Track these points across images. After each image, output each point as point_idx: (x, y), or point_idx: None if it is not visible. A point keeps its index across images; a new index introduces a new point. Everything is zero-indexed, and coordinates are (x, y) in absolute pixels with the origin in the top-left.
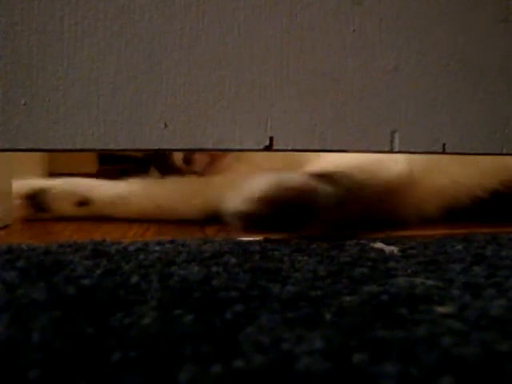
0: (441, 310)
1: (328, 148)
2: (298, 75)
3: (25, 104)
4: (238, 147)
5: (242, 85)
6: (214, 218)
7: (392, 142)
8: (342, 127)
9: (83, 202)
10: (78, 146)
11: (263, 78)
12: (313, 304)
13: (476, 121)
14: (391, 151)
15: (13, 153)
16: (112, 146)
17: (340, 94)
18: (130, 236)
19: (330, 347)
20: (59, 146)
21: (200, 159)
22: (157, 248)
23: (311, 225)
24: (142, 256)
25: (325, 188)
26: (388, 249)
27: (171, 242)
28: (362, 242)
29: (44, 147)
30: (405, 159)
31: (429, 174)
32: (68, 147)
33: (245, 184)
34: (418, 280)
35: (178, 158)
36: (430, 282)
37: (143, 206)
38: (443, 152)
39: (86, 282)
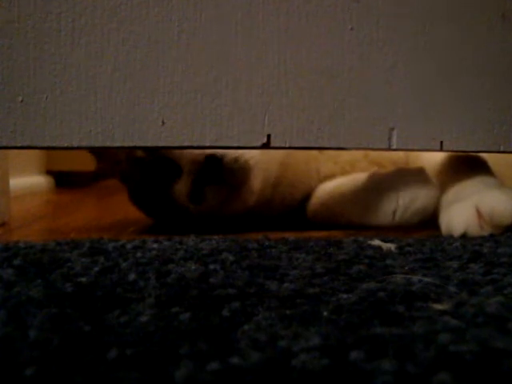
0: (437, 307)
1: (325, 145)
2: (296, 73)
3: (22, 101)
4: (236, 145)
5: (240, 82)
6: None
7: (390, 139)
8: (339, 125)
9: None
10: (76, 144)
11: (261, 75)
12: (310, 301)
13: (473, 118)
14: (389, 149)
15: (10, 150)
16: (109, 144)
17: (337, 92)
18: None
19: (327, 344)
20: (56, 144)
21: (214, 192)
22: (154, 246)
23: None
24: (139, 254)
25: None
26: (385, 246)
27: (168, 239)
28: (359, 239)
29: (41, 145)
30: None
31: None
32: (65, 145)
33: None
34: (415, 277)
35: (180, 192)
36: (427, 280)
37: None
38: (441, 149)
39: (84, 279)
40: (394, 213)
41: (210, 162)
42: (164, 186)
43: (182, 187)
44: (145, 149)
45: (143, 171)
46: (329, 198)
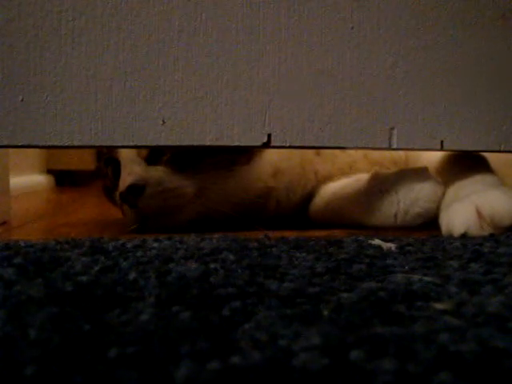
0: (438, 306)
1: (326, 145)
2: (296, 72)
3: (22, 100)
4: (236, 144)
5: (240, 81)
6: None
7: (390, 138)
8: (340, 124)
9: None
10: (76, 143)
11: (261, 74)
12: (310, 300)
13: (474, 118)
14: (389, 148)
15: (10, 149)
16: (110, 143)
17: (338, 91)
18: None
19: (328, 344)
20: (57, 143)
21: (149, 199)
22: (154, 245)
23: None
24: (139, 253)
25: None
26: (386, 245)
27: (169, 238)
28: (359, 238)
29: (42, 144)
30: None
31: None
32: (66, 144)
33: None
34: (416, 277)
35: (117, 196)
36: (428, 279)
37: None
38: (441, 149)
39: (84, 278)
40: (396, 216)
41: (130, 190)
42: (113, 184)
43: (117, 194)
44: (145, 148)
45: (104, 165)
46: (333, 198)
